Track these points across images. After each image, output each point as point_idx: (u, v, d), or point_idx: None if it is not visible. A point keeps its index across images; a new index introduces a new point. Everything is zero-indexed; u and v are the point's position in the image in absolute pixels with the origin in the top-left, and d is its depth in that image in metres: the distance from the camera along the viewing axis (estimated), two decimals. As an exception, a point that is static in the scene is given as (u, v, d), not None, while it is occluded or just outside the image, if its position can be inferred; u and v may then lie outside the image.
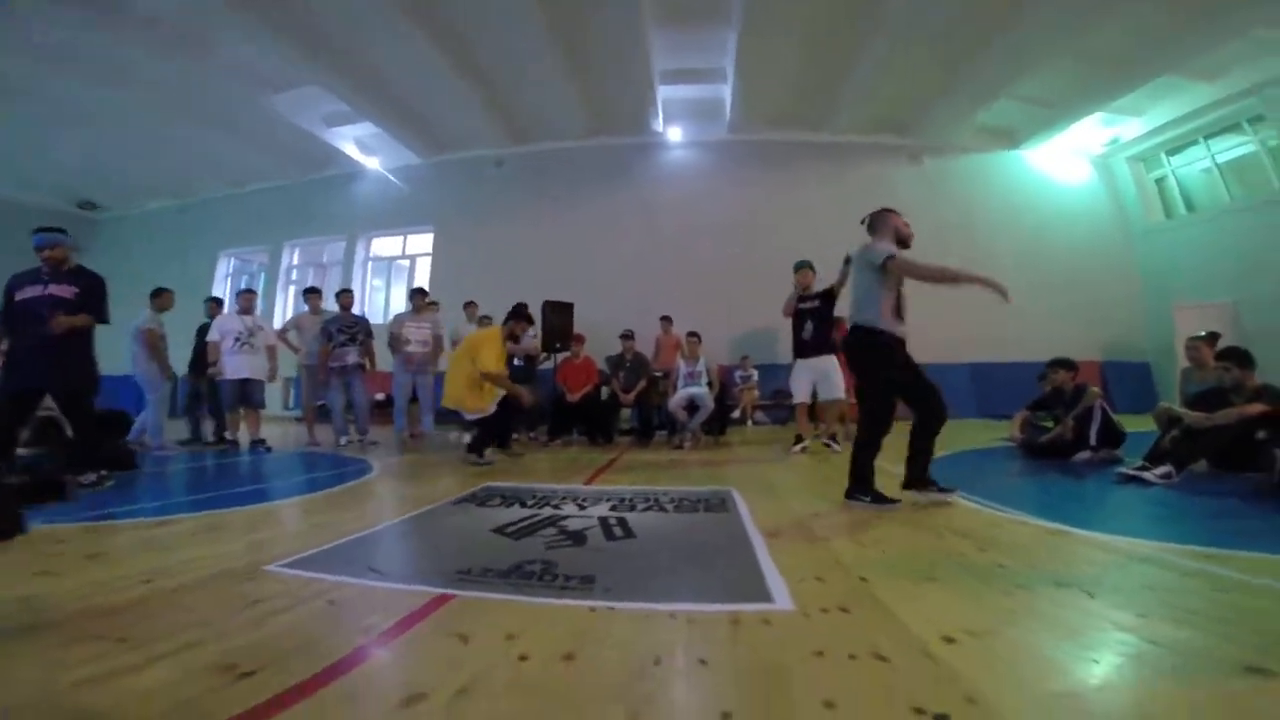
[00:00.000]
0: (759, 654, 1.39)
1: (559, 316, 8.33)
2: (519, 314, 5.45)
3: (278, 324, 7.98)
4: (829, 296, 5.66)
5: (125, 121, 10.47)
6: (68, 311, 3.71)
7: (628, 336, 7.58)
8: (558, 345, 8.11)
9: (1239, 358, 3.85)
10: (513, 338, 5.40)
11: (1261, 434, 3.56)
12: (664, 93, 10.51)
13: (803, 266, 6.03)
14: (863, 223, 3.45)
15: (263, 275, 13.35)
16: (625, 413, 8.22)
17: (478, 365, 5.00)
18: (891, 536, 2.57)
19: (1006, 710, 1.12)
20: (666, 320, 8.78)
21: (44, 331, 3.61)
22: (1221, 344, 4.48)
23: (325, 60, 9.03)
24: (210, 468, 5.14)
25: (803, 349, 5.86)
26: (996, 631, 1.50)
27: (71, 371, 3.78)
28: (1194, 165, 10.50)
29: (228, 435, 6.63)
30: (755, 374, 9.86)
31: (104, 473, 3.82)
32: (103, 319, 3.95)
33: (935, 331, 10.09)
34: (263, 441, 6.19)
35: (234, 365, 6.29)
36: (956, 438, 5.99)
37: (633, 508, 3.12)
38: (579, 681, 1.26)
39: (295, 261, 13.68)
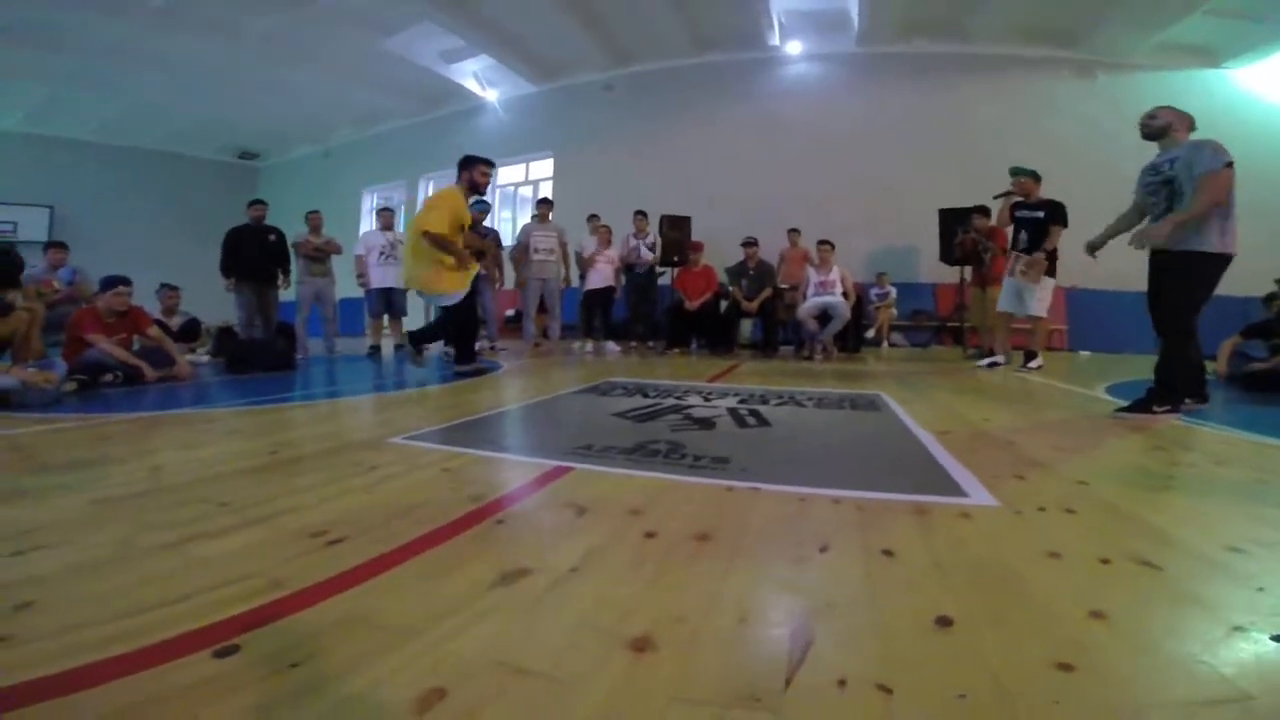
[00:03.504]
0: (967, 551, 1.05)
1: (676, 230, 7.93)
2: (473, 159, 4.20)
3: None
4: (1055, 209, 4.95)
5: (251, 76, 11.03)
6: None
7: (750, 243, 7.03)
8: (676, 259, 7.76)
9: None
10: (473, 187, 4.17)
11: None
12: (781, 3, 9.43)
13: (1020, 173, 5.23)
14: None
15: (402, 207, 14.09)
16: (747, 326, 7.82)
17: (421, 227, 3.88)
18: (1097, 445, 2.09)
19: None
20: (794, 232, 8.10)
21: None
22: None
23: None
24: (357, 366, 5.40)
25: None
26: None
27: None
28: None
29: (370, 342, 7.02)
30: (893, 292, 9.01)
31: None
32: None
33: (1111, 257, 8.69)
34: (403, 346, 6.48)
35: (379, 276, 6.59)
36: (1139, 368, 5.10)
37: (765, 402, 2.79)
38: (718, 566, 0.98)
39: (430, 193, 14.27)
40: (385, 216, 6.98)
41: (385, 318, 6.84)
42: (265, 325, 6.04)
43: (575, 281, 7.46)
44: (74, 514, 1.23)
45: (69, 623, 0.77)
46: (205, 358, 5.89)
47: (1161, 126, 2.85)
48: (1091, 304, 8.64)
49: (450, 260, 3.95)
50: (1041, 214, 4.96)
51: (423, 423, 2.29)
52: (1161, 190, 2.78)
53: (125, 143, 13.38)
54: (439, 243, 3.84)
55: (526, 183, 13.25)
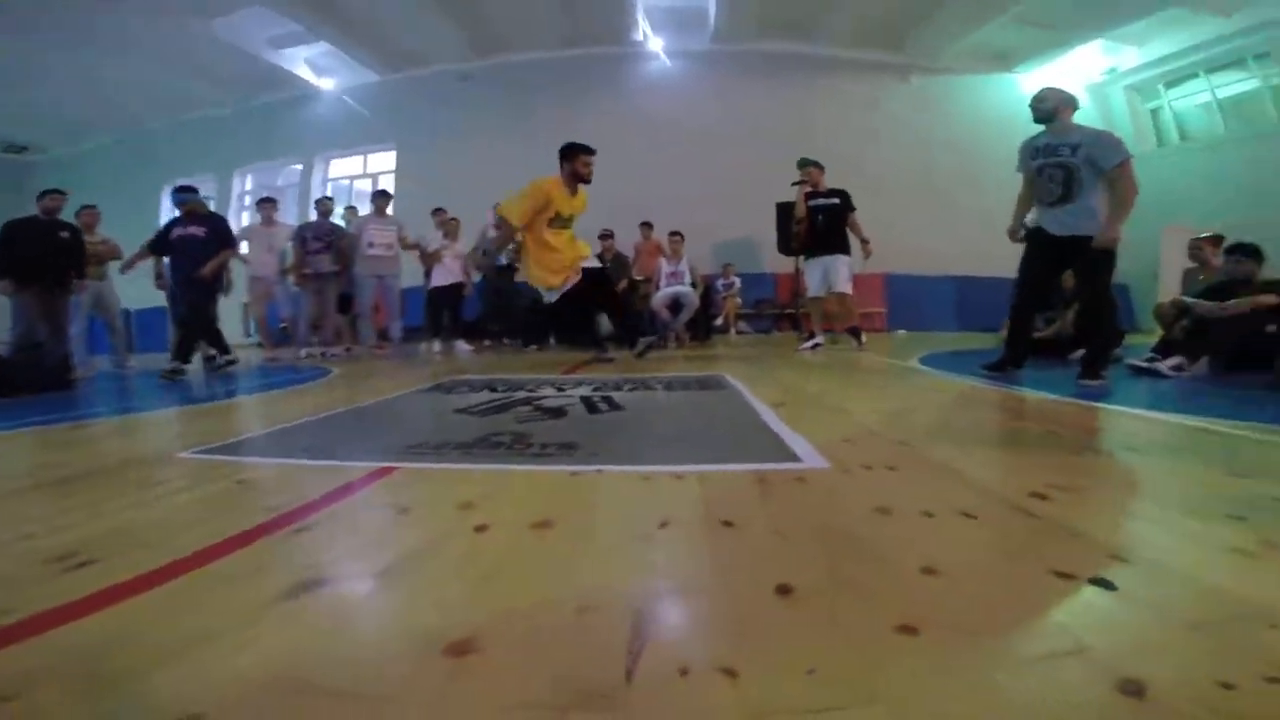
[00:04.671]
0: (803, 514, 1.05)
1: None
2: (573, 148, 3.91)
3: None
4: (846, 195, 5.41)
5: (45, 59, 9.48)
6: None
7: (606, 236, 7.07)
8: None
9: (1250, 251, 3.65)
10: (576, 178, 3.89)
11: (1272, 327, 3.31)
12: (644, 0, 9.72)
13: (807, 164, 5.62)
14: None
15: (212, 204, 12.54)
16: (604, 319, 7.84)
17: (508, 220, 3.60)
18: (916, 407, 2.29)
19: (1173, 560, 0.80)
20: (646, 226, 8.24)
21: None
22: None
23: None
24: (156, 382, 4.66)
25: (817, 246, 5.55)
26: (1088, 489, 1.19)
27: None
28: (1192, 99, 10.25)
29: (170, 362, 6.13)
30: (738, 282, 9.49)
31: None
32: None
33: (923, 244, 9.95)
34: (214, 358, 5.70)
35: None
36: (948, 343, 5.79)
37: (618, 388, 2.76)
38: (559, 552, 0.90)
39: (248, 188, 12.89)
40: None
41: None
42: (54, 336, 5.02)
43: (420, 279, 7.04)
44: None
45: None
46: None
47: (1050, 109, 3.08)
48: (906, 288, 9.69)
49: (542, 252, 3.78)
50: (836, 201, 5.43)
51: (224, 435, 1.98)
52: (1058, 174, 3.00)
53: None
54: (502, 224, 3.69)
55: (364, 175, 12.39)
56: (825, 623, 0.66)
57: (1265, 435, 1.67)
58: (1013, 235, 3.37)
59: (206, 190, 12.67)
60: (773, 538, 0.94)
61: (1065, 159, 2.98)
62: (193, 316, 4.86)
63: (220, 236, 4.99)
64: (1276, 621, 0.63)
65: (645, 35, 10.57)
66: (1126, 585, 0.72)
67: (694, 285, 6.48)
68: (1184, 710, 0.48)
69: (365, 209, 7.38)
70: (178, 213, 5.02)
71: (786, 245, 7.90)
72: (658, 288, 6.44)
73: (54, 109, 11.61)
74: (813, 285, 5.62)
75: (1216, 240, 4.55)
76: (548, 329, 6.94)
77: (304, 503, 1.16)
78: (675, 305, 6.29)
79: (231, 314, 6.31)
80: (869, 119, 10.44)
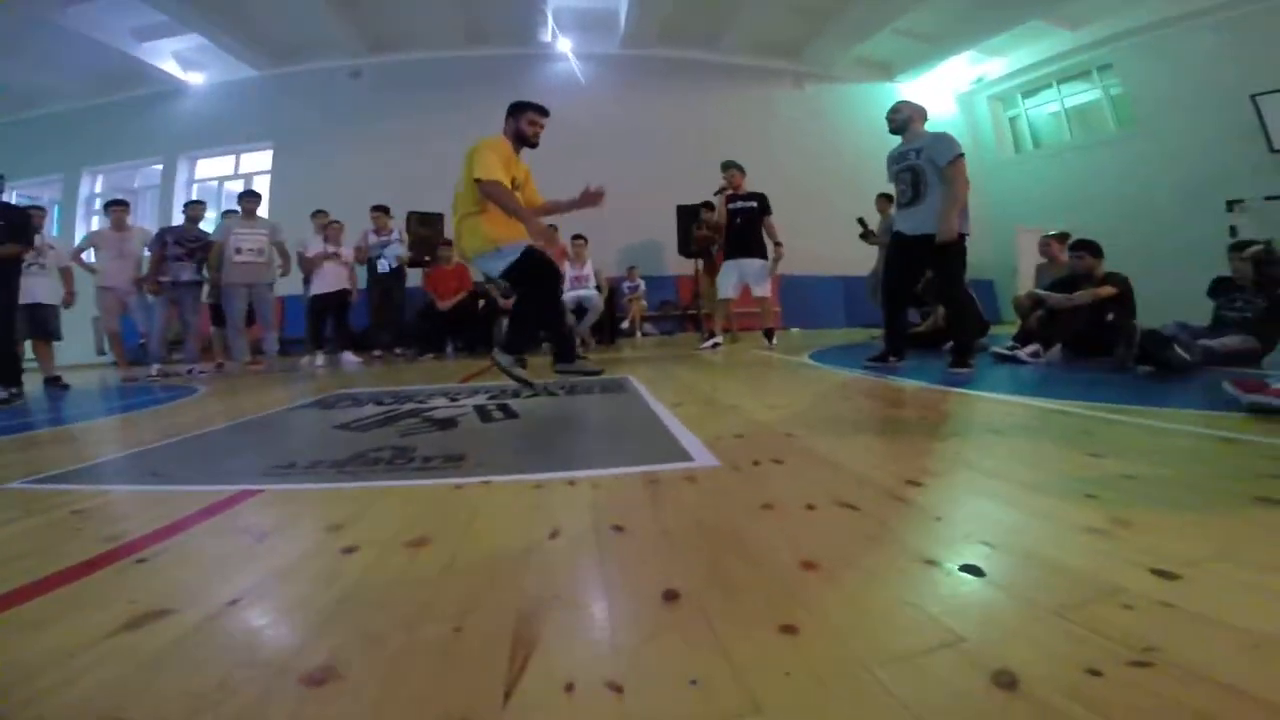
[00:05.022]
0: (692, 514, 1.04)
1: (427, 227, 7.49)
2: (522, 104, 3.04)
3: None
4: (763, 199, 5.57)
5: None
6: None
7: (506, 240, 6.90)
8: (428, 258, 7.30)
9: (1091, 248, 4.02)
10: (519, 139, 3.00)
11: (1110, 315, 3.74)
12: (554, 1, 9.66)
13: (730, 167, 5.74)
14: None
15: (56, 207, 11.11)
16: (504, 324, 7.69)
17: (471, 177, 2.72)
18: (800, 400, 2.38)
19: (1034, 542, 0.86)
20: (551, 229, 8.16)
21: None
22: None
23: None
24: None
25: (733, 248, 5.64)
26: (955, 473, 1.27)
27: None
28: (1044, 107, 11.31)
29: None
30: (643, 284, 9.56)
31: None
32: None
33: (813, 246, 10.49)
34: (58, 379, 5.04)
35: (22, 288, 4.96)
36: (836, 339, 6.12)
37: (515, 395, 2.68)
38: (433, 570, 0.85)
39: (98, 189, 11.53)
40: (35, 216, 5.40)
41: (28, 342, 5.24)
42: None
43: (299, 288, 6.57)
44: None
45: None
46: None
47: (904, 120, 3.32)
48: (798, 288, 10.17)
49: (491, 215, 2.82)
50: (754, 204, 5.59)
51: (65, 462, 1.75)
52: (907, 176, 3.21)
53: None
54: (495, 194, 2.70)
55: (236, 176, 11.37)
56: (708, 627, 0.66)
57: (1113, 415, 1.85)
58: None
59: (51, 192, 11.33)
60: (662, 540, 0.93)
61: (912, 162, 3.24)
62: None
63: (14, 228, 4.20)
64: (1129, 601, 0.67)
65: (554, 36, 10.49)
66: (993, 571, 0.76)
67: (599, 289, 6.47)
68: (1055, 703, 0.50)
69: (239, 212, 6.80)
70: None
71: (687, 248, 8.06)
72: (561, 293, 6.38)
73: None
74: (724, 287, 5.72)
75: (1063, 237, 4.96)
76: (444, 336, 6.68)
77: (149, 531, 1.04)
78: (580, 309, 6.25)
79: (81, 329, 5.57)
80: (765, 125, 10.90)
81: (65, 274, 5.45)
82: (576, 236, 6.77)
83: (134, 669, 0.60)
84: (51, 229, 6.04)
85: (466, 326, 6.73)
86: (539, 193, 3.21)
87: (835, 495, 1.09)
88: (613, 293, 7.49)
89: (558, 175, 10.70)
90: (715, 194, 5.88)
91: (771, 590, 0.74)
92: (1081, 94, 10.58)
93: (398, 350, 6.65)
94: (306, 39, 10.09)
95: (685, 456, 1.41)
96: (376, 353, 6.58)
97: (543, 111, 3.03)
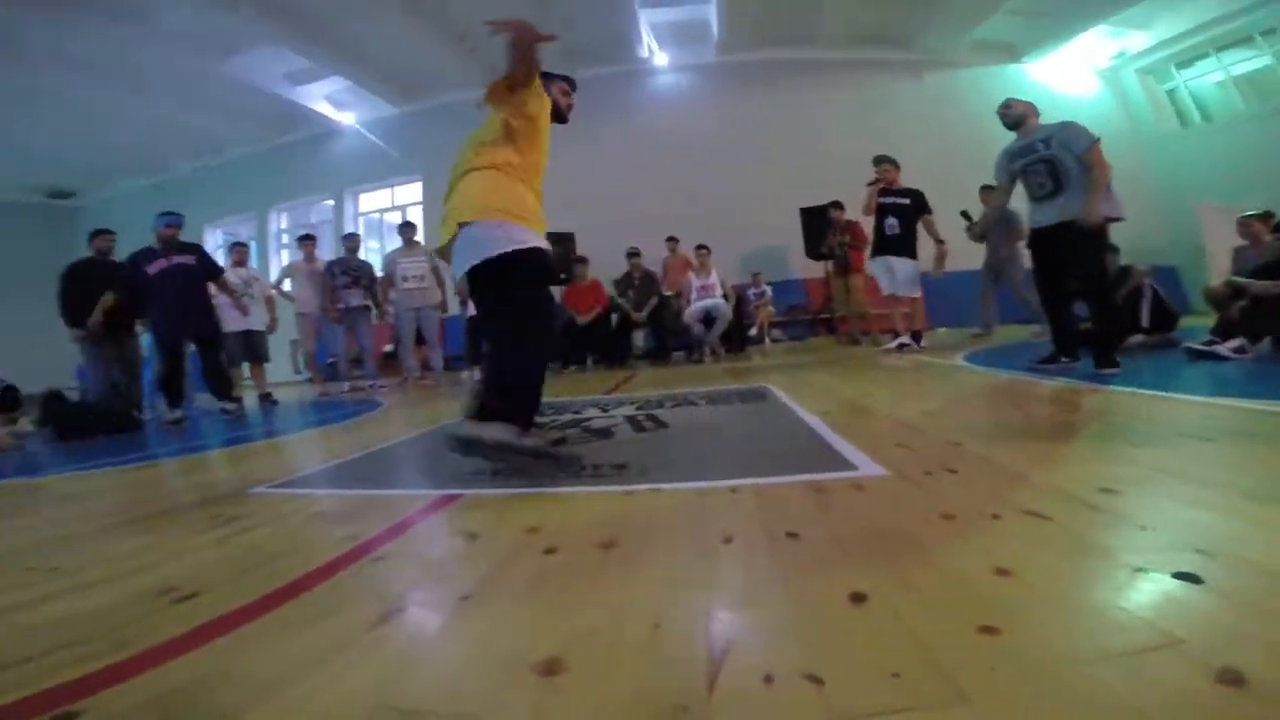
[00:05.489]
0: (866, 523, 1.05)
1: (560, 246, 7.88)
2: (552, 74, 2.45)
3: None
4: (921, 198, 5.35)
5: (75, 103, 9.70)
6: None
7: (634, 254, 7.13)
8: (564, 276, 7.70)
9: None
10: (554, 111, 2.39)
11: None
12: (647, 16, 9.74)
13: (884, 161, 5.54)
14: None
15: (253, 243, 12.96)
16: (639, 336, 7.89)
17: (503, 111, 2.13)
18: (961, 405, 2.25)
19: (1258, 552, 0.78)
20: (673, 240, 8.28)
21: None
22: None
23: (274, 15, 8.26)
24: (218, 421, 4.85)
25: (881, 246, 5.44)
26: (1156, 482, 1.15)
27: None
28: (1206, 78, 10.10)
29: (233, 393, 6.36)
30: (769, 290, 9.43)
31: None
32: None
33: (950, 240, 9.74)
34: (269, 395, 5.91)
35: (234, 318, 5.89)
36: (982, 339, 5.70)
37: (660, 405, 2.78)
38: (625, 573, 0.92)
39: (284, 225, 13.16)
40: (239, 252, 6.44)
41: (246, 365, 6.21)
42: (128, 380, 5.22)
43: (457, 308, 7.17)
44: None
45: None
46: (30, 428, 5.04)
47: (1019, 115, 3.25)
48: (942, 285, 9.52)
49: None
50: (908, 200, 5.34)
51: (291, 470, 2.07)
52: (1043, 168, 3.06)
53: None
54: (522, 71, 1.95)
55: (394, 208, 12.57)
56: (903, 626, 0.67)
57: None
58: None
59: (247, 230, 13.11)
60: (837, 547, 0.94)
61: (1043, 153, 3.07)
62: (204, 357, 4.96)
63: (208, 266, 5.05)
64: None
65: (651, 51, 10.66)
66: (1212, 579, 0.71)
67: (725, 297, 6.49)
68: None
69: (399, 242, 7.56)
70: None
71: (815, 250, 7.85)
72: (689, 302, 6.46)
73: (85, 153, 11.77)
74: (884, 284, 5.50)
75: (1266, 217, 4.43)
76: (584, 350, 6.99)
77: (378, 532, 1.21)
78: (708, 319, 6.30)
79: (280, 350, 6.48)
80: (885, 119, 10.37)
81: (269, 303, 6.35)
82: (699, 246, 6.84)
83: (398, 659, 0.71)
84: (252, 262, 7.06)
85: (603, 339, 6.99)
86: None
87: (1020, 504, 1.05)
88: (739, 300, 7.45)
89: (670, 188, 10.89)
90: (868, 185, 5.57)
91: (965, 594, 0.74)
92: (1248, 61, 9.35)
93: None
94: (430, 74, 10.75)
95: (849, 465, 1.40)
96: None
97: (572, 82, 2.68)
